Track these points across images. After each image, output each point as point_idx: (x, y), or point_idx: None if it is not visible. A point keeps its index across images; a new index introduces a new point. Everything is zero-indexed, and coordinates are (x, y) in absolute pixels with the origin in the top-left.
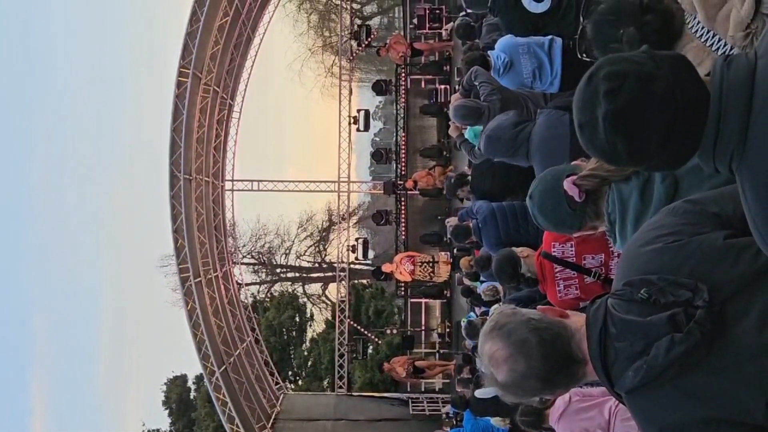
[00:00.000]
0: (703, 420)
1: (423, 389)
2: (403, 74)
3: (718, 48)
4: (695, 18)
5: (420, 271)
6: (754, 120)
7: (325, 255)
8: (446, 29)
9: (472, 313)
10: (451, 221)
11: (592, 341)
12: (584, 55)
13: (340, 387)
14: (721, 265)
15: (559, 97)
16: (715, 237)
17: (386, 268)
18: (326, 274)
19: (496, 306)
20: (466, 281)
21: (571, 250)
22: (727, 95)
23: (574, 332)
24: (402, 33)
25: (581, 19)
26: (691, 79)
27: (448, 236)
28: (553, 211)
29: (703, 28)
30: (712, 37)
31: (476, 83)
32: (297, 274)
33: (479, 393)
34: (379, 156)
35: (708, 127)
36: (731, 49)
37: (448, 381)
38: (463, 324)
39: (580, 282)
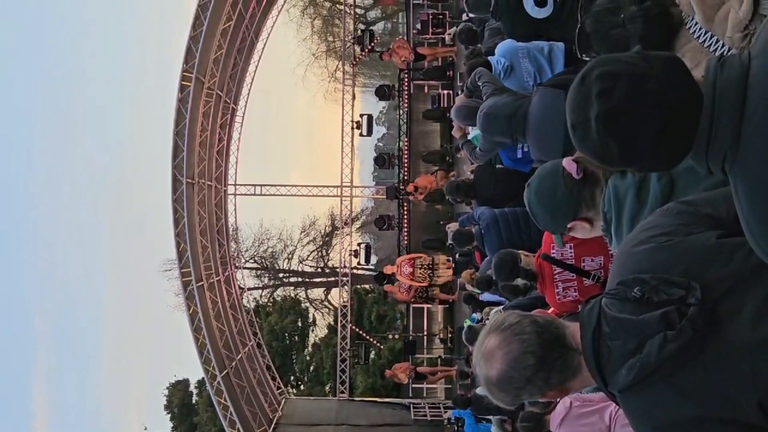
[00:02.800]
0: (696, 418)
1: (425, 395)
2: (406, 79)
3: (716, 49)
4: (693, 19)
5: (420, 273)
6: (747, 122)
7: (328, 260)
8: (449, 34)
9: (474, 315)
10: (452, 227)
11: (585, 340)
12: (584, 54)
13: (342, 392)
14: (713, 264)
15: (556, 75)
16: (707, 236)
17: (388, 269)
18: (329, 279)
19: (495, 310)
20: (469, 287)
21: (571, 252)
22: (720, 96)
23: (568, 325)
24: (405, 38)
25: (579, 17)
26: (684, 79)
27: (450, 241)
28: (549, 194)
29: (701, 29)
30: (710, 38)
31: (480, 83)
32: (299, 279)
33: (480, 390)
34: (381, 161)
35: (701, 128)
36: (729, 50)
37: (449, 387)
38: (464, 328)
39: (579, 284)
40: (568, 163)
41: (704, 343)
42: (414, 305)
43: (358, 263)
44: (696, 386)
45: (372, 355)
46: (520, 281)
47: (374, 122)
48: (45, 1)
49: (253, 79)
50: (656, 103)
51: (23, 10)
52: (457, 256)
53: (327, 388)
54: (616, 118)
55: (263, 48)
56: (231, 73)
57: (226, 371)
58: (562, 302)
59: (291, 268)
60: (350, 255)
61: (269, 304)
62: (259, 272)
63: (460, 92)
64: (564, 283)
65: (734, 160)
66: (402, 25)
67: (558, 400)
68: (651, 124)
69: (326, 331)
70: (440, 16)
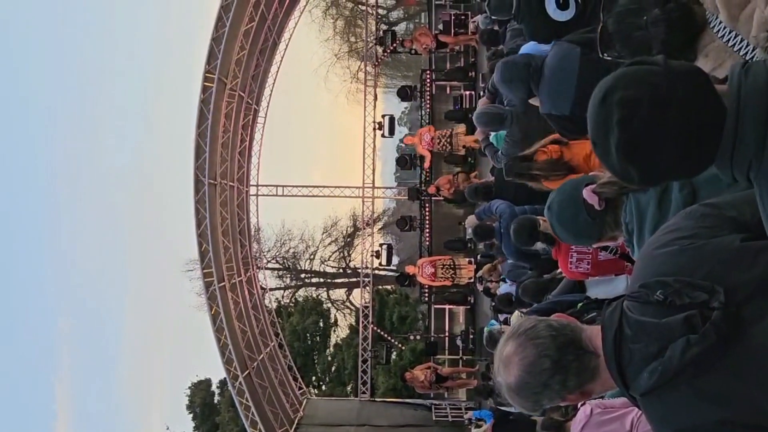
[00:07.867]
0: (719, 422)
1: (446, 395)
2: (428, 80)
3: (740, 48)
4: (717, 18)
5: (442, 273)
6: None
7: (350, 260)
8: (473, 21)
9: (494, 321)
10: (470, 220)
11: (607, 343)
12: (605, 53)
13: (364, 392)
14: (737, 268)
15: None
16: (731, 239)
17: (409, 269)
18: (350, 280)
19: (516, 314)
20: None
21: None
22: (744, 104)
23: (585, 328)
24: (427, 26)
25: (602, 16)
26: (707, 100)
27: (469, 236)
28: (572, 221)
29: (725, 28)
30: (735, 37)
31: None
32: (321, 280)
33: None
34: (403, 162)
35: (725, 135)
36: (754, 49)
37: (471, 388)
38: (485, 333)
39: (593, 258)
40: (589, 196)
41: (727, 347)
42: (435, 306)
43: (380, 264)
44: (719, 390)
45: (393, 356)
46: (539, 246)
47: (396, 123)
48: (69, 2)
49: (275, 80)
50: (678, 131)
51: (46, 12)
52: (479, 257)
53: (348, 388)
54: (636, 148)
55: (285, 49)
56: (253, 74)
57: (247, 371)
58: (572, 271)
59: (313, 269)
60: (372, 256)
61: (291, 304)
62: (280, 273)
63: (482, 93)
64: (579, 255)
65: (759, 167)
66: (424, 25)
67: (579, 406)
68: (672, 150)
69: (348, 331)
70: (462, 17)
